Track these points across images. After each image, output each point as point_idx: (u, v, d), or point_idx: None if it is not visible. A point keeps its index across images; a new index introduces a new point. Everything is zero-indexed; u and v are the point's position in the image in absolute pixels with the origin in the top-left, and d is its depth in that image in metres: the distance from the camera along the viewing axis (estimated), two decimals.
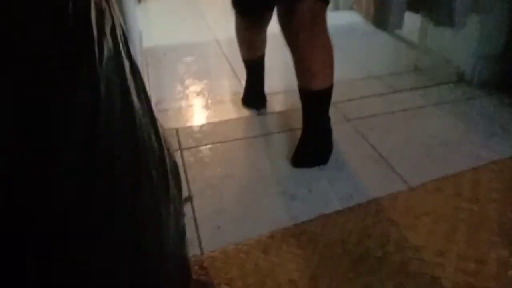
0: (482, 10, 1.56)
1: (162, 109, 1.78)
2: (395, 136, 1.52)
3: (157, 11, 3.14)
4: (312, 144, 1.41)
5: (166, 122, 1.66)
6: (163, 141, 0.81)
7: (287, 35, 1.27)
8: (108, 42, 0.58)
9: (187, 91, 1.94)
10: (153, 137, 0.76)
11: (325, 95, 1.35)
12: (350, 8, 2.76)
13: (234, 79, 2.01)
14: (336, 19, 2.57)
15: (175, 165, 0.90)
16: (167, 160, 0.82)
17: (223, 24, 2.70)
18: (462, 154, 1.41)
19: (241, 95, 1.83)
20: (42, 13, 0.46)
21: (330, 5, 3.01)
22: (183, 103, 1.84)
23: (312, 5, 1.19)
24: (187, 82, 2.02)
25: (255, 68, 1.74)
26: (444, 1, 1.44)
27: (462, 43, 1.79)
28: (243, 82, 1.96)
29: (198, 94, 1.92)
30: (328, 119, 1.43)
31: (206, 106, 1.80)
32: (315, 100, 1.37)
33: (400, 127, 1.57)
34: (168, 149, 0.85)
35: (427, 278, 1.00)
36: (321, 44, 1.26)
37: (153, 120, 0.78)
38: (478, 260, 1.03)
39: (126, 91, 0.63)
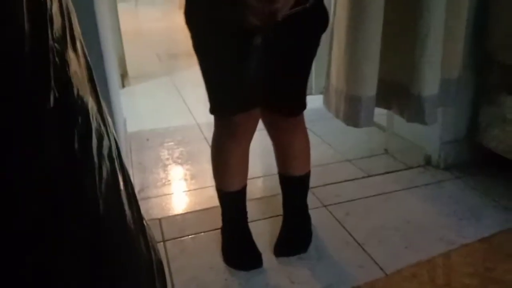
0: (447, 104, 1.71)
1: (145, 197, 1.83)
2: (370, 222, 1.59)
3: (141, 95, 3.27)
4: (293, 233, 1.47)
5: (149, 211, 1.70)
6: (150, 244, 0.86)
7: (269, 127, 1.40)
8: (106, 164, 0.65)
9: (169, 177, 2.00)
10: (142, 241, 0.81)
11: (304, 180, 1.46)
12: (322, 93, 2.94)
13: None
14: (309, 103, 2.73)
15: (161, 265, 0.94)
16: (154, 263, 0.86)
17: (204, 108, 2.84)
18: (435, 239, 1.49)
19: None
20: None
21: None
22: (166, 190, 1.89)
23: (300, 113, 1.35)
24: (169, 168, 2.09)
25: (239, 205, 1.43)
26: (413, 99, 1.57)
27: (426, 129, 1.92)
28: None
29: (180, 180, 1.98)
30: (306, 205, 1.51)
31: (189, 193, 1.86)
32: (294, 185, 1.47)
33: (374, 212, 1.65)
34: (154, 249, 0.90)
35: None
36: (301, 133, 1.40)
37: (141, 221, 0.83)
38: None
39: (120, 207, 0.69)
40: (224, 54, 1.15)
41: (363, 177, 1.91)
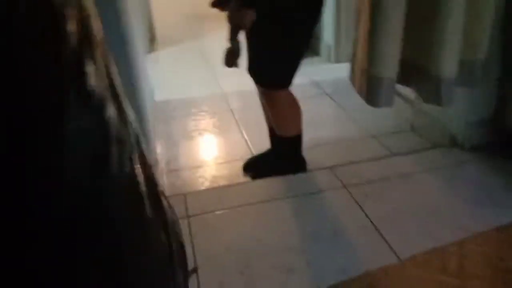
0: (469, 85, 1.68)
1: (172, 170, 1.91)
2: (388, 204, 1.62)
3: (168, 62, 3.30)
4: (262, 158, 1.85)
5: (175, 185, 1.79)
6: (171, 235, 0.93)
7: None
8: (125, 171, 0.70)
9: (196, 150, 2.07)
10: (163, 236, 0.88)
11: (285, 141, 1.77)
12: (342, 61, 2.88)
13: (241, 138, 2.14)
14: (338, 71, 2.70)
15: (183, 258, 1.01)
16: (175, 258, 0.93)
17: (231, 77, 2.85)
18: (450, 225, 1.51)
19: (248, 154, 1.95)
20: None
21: (332, 58, 3.13)
22: (192, 163, 1.96)
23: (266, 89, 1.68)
24: (195, 140, 2.16)
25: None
26: (431, 80, 1.56)
27: (452, 108, 1.90)
28: (249, 141, 2.10)
29: (206, 154, 2.04)
30: (281, 153, 1.84)
31: (215, 168, 1.93)
32: (274, 137, 1.81)
33: (393, 194, 1.68)
34: (178, 240, 0.97)
35: None
36: (273, 108, 1.71)
37: (164, 216, 0.90)
38: None
39: (141, 211, 0.74)
40: None
41: (386, 156, 1.93)
